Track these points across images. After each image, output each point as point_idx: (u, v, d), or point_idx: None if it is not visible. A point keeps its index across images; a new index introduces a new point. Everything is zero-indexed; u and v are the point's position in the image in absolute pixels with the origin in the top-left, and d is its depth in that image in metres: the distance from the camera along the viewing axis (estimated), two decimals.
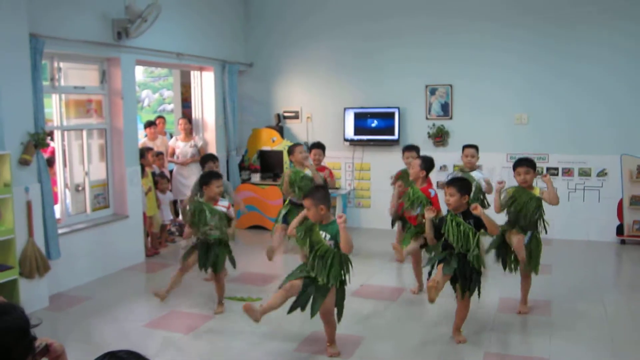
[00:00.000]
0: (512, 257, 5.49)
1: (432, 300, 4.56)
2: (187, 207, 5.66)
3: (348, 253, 4.38)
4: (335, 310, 4.55)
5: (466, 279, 4.68)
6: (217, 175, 5.67)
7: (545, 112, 8.41)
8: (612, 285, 6.81)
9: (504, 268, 5.58)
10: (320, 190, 4.55)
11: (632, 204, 8.09)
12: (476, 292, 4.78)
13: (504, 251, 5.52)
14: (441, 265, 4.71)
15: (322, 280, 4.35)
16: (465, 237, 4.63)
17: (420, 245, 5.95)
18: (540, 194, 5.35)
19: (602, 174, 8.29)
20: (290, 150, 6.73)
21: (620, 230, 8.20)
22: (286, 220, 6.44)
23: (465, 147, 6.81)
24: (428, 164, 5.99)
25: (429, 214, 4.82)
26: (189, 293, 6.00)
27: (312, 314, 4.40)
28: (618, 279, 7.23)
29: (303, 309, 4.44)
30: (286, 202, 6.81)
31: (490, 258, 5.49)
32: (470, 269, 4.67)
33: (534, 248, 5.37)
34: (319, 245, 4.40)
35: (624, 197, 8.14)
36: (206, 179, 5.59)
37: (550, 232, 8.03)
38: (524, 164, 5.42)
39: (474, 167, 6.65)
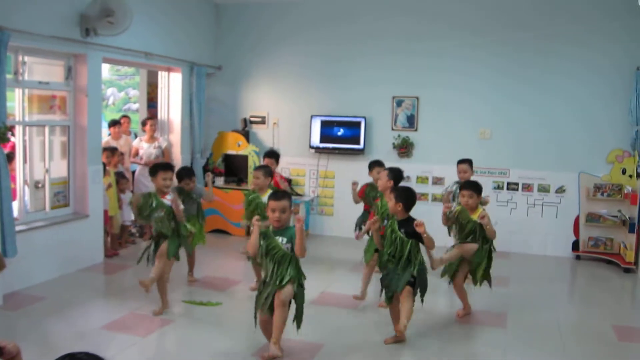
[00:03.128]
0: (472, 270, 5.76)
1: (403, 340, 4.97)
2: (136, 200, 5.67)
3: (302, 257, 4.47)
4: (295, 315, 4.60)
5: (395, 283, 4.88)
6: (165, 167, 5.70)
7: (509, 128, 8.59)
8: (566, 299, 6.98)
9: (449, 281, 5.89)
10: (289, 194, 4.67)
11: (588, 221, 8.31)
12: (418, 296, 4.94)
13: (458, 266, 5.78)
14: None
15: (278, 285, 4.44)
16: (395, 245, 4.89)
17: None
18: (479, 219, 5.55)
19: (560, 190, 8.49)
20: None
21: (576, 246, 8.40)
22: None
23: (458, 162, 7.07)
24: (396, 174, 6.07)
25: (374, 226, 5.12)
26: (148, 296, 5.92)
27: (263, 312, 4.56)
28: (572, 294, 7.41)
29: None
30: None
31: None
32: (401, 273, 4.86)
33: (478, 259, 5.65)
34: (275, 250, 4.46)
35: (581, 214, 8.35)
36: (152, 170, 5.64)
37: (508, 246, 8.35)
38: (468, 187, 5.72)
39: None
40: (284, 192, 4.70)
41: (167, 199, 5.56)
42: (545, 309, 6.18)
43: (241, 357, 4.72)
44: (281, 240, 4.47)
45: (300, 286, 4.58)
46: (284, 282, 4.44)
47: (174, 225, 5.58)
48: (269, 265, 4.50)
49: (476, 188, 5.69)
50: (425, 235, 4.75)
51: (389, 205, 5.04)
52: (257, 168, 6.46)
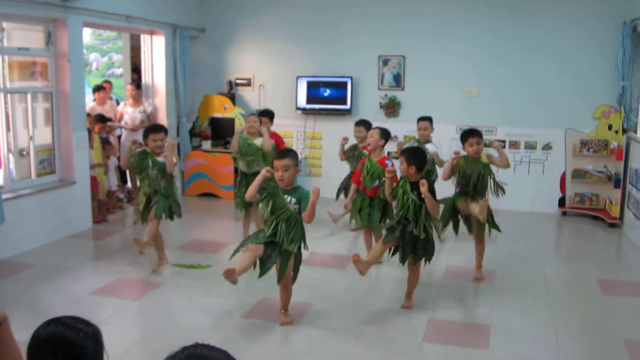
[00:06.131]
0: (465, 222, 5.69)
1: (362, 273, 4.72)
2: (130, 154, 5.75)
3: (308, 223, 4.44)
4: (292, 275, 4.63)
5: (409, 245, 4.76)
6: (154, 129, 5.81)
7: (495, 86, 8.56)
8: (552, 255, 7.07)
9: (456, 233, 5.79)
10: (295, 153, 4.60)
11: (574, 177, 8.36)
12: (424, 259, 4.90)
13: (455, 219, 5.69)
14: (380, 241, 4.89)
15: (286, 246, 4.38)
16: (407, 206, 4.73)
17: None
18: (488, 160, 5.49)
19: (547, 147, 8.52)
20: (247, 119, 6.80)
21: (562, 202, 8.48)
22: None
23: (419, 119, 6.90)
24: (387, 134, 6.05)
25: (388, 175, 4.89)
26: (137, 260, 5.95)
27: (279, 280, 4.52)
28: (558, 249, 7.51)
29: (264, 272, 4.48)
30: (239, 177, 6.64)
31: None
32: (415, 236, 4.73)
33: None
34: (283, 210, 4.41)
35: (567, 170, 8.40)
36: (144, 133, 5.81)
37: (496, 203, 8.32)
38: (477, 134, 5.48)
39: (427, 140, 6.75)
40: (287, 151, 4.63)
41: (161, 157, 5.68)
42: (533, 265, 6.26)
43: (231, 318, 4.77)
44: (289, 199, 4.43)
45: (302, 248, 4.57)
46: (291, 246, 4.39)
47: (165, 183, 5.67)
48: (275, 224, 4.39)
49: (481, 133, 5.51)
50: (428, 197, 4.61)
51: (401, 168, 4.85)
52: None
